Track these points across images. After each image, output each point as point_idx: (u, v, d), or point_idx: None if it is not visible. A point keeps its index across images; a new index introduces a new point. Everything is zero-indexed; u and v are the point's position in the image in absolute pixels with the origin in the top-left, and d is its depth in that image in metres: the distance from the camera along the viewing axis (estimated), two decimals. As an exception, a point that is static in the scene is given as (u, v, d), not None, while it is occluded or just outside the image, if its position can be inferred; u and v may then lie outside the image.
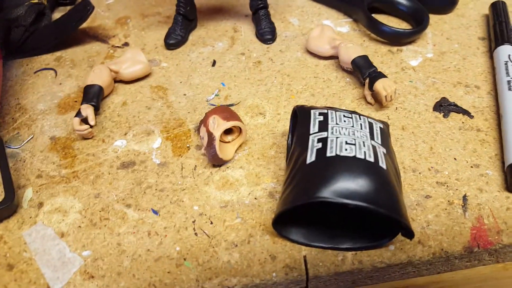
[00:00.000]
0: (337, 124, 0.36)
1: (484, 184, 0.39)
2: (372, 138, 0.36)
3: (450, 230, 0.36)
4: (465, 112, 0.46)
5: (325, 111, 0.38)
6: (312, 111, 0.38)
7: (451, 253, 0.35)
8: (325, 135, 0.35)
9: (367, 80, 0.46)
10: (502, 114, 0.44)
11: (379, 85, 0.45)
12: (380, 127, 0.38)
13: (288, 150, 0.40)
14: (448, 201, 0.38)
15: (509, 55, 0.49)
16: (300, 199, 0.32)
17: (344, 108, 0.47)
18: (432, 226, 0.36)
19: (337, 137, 0.35)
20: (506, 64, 0.48)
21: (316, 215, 0.36)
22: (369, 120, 0.38)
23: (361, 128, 0.36)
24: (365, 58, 0.48)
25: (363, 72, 0.47)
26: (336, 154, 0.33)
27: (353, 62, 0.49)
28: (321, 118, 0.37)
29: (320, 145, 0.34)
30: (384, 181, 0.32)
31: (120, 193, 0.39)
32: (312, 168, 0.33)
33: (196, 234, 0.36)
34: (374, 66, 0.47)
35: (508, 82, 0.46)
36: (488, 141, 0.43)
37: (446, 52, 0.54)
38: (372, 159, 0.33)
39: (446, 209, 0.37)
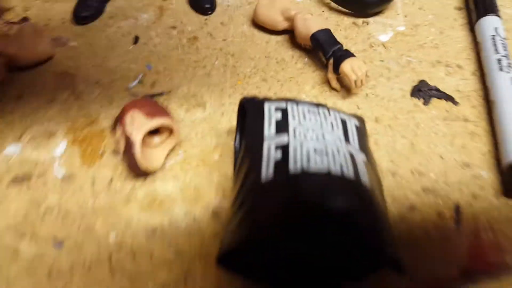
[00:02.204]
0: (300, 123, 0.29)
1: (478, 188, 0.35)
2: (347, 141, 0.29)
3: (442, 249, 0.31)
4: (449, 98, 0.41)
5: (284, 105, 0.31)
6: (266, 105, 0.31)
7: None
8: (286, 141, 0.28)
9: (331, 61, 0.41)
10: (494, 100, 0.39)
11: (346, 66, 0.39)
12: (356, 125, 0.32)
13: (236, 156, 0.33)
14: (437, 212, 0.33)
15: (495, 28, 0.45)
16: (251, 242, 0.25)
17: (304, 96, 0.41)
18: (420, 249, 0.31)
19: (301, 143, 0.28)
20: (493, 38, 0.44)
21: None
22: (342, 116, 0.31)
23: (333, 129, 0.30)
24: (327, 32, 0.43)
25: (326, 50, 0.41)
26: (302, 170, 0.26)
27: (313, 37, 0.43)
28: (279, 115, 0.30)
29: (279, 155, 0.27)
30: (369, 205, 0.26)
31: (11, 220, 0.32)
32: (268, 190, 0.26)
33: (112, 275, 0.29)
34: (340, 43, 0.42)
35: (498, 60, 0.42)
36: (479, 134, 0.38)
37: (420, 25, 0.49)
38: (351, 174, 0.27)
39: (435, 223, 0.33)
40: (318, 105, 0.32)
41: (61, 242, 0.31)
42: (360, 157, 0.28)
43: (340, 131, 0.30)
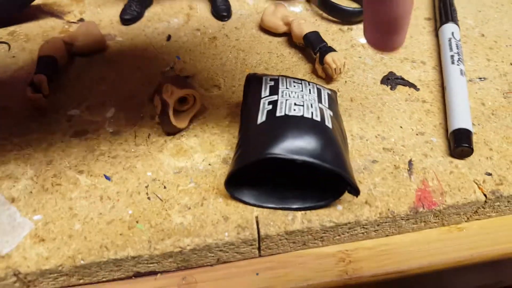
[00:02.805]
0: (287, 88, 0.36)
1: (428, 150, 0.40)
2: (320, 101, 0.36)
3: (396, 192, 0.36)
4: (411, 85, 0.47)
5: (276, 77, 0.38)
6: (264, 78, 0.38)
7: (397, 213, 0.35)
8: (276, 98, 0.35)
9: (317, 54, 0.47)
10: (446, 85, 0.45)
11: (328, 58, 0.45)
12: (328, 93, 0.38)
13: (241, 114, 0.40)
14: (394, 165, 0.38)
15: (452, 32, 0.50)
16: (251, 157, 0.32)
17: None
18: (378, 188, 0.37)
19: (286, 100, 0.35)
20: (449, 40, 0.49)
21: (267, 176, 0.36)
22: (318, 86, 0.38)
23: (310, 93, 0.37)
24: (316, 33, 0.49)
25: (314, 46, 0.47)
26: (285, 114, 0.33)
27: (305, 37, 0.49)
28: (272, 83, 0.37)
29: (270, 107, 0.34)
30: (330, 139, 0.33)
31: (73, 160, 0.38)
32: (262, 127, 0.33)
33: (149, 198, 0.35)
34: (325, 41, 0.48)
35: (452, 56, 0.47)
36: (433, 111, 0.44)
37: (395, 31, 0.55)
38: (318, 119, 0.34)
39: (392, 172, 0.38)
40: (301, 79, 0.39)
41: (110, 177, 0.37)
42: (328, 112, 0.35)
43: (315, 95, 0.37)
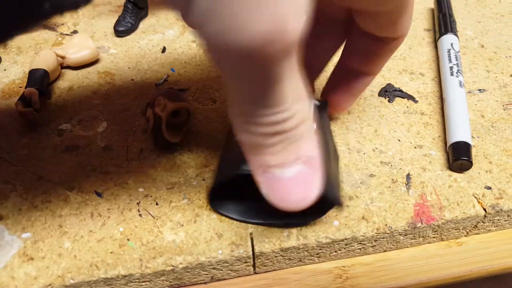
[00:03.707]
0: None
1: (427, 163, 0.40)
2: None
3: (393, 206, 0.36)
4: (410, 97, 0.47)
5: None
6: None
7: (395, 229, 0.35)
8: None
9: None
10: (445, 97, 0.45)
11: None
12: (315, 105, 0.35)
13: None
14: (392, 179, 0.38)
15: (451, 44, 0.50)
16: (227, 174, 0.32)
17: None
18: (376, 203, 0.36)
19: None
20: (448, 51, 0.49)
21: (252, 191, 0.35)
22: None
23: None
24: None
25: None
26: None
27: None
28: None
29: None
30: None
31: (64, 176, 0.38)
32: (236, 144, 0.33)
33: (140, 215, 0.35)
34: None
35: (451, 68, 0.47)
36: (432, 124, 0.43)
37: (393, 42, 0.55)
38: None
39: (390, 187, 0.38)
40: None
41: (101, 193, 0.37)
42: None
43: None
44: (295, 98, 0.21)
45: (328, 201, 0.32)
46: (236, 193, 0.35)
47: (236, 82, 0.20)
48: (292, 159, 0.23)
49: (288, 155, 0.23)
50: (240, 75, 0.19)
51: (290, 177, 0.24)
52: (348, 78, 0.39)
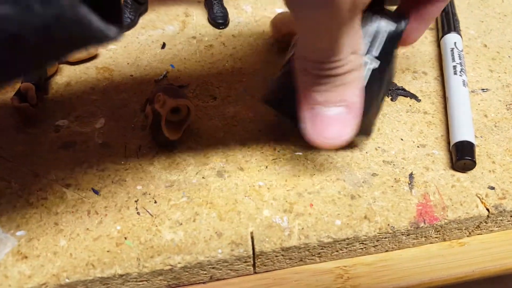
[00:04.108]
0: None
1: (430, 163, 0.39)
2: (369, 51, 0.33)
3: (396, 206, 0.36)
4: (413, 96, 0.46)
5: None
6: None
7: (398, 229, 0.34)
8: None
9: None
10: (448, 96, 0.44)
11: None
12: (390, 31, 0.34)
13: None
14: (395, 178, 0.38)
15: (454, 42, 0.50)
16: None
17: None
18: (378, 203, 0.36)
19: None
20: (452, 50, 0.49)
21: None
22: (378, 25, 0.34)
23: (364, 37, 0.33)
24: None
25: None
26: None
27: None
28: None
29: None
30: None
31: (60, 173, 0.37)
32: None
33: (138, 213, 0.34)
34: None
35: (454, 67, 0.47)
36: (435, 123, 0.43)
37: (395, 41, 0.54)
38: None
39: (392, 186, 0.37)
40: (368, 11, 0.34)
41: (98, 190, 0.36)
42: (370, 67, 0.33)
43: (368, 40, 0.34)
44: (351, 51, 0.25)
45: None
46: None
47: (308, 32, 0.24)
48: (336, 100, 0.27)
49: (333, 96, 0.27)
50: (313, 27, 0.23)
51: (331, 116, 0.28)
52: (420, 2, 0.35)
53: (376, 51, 0.34)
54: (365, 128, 0.34)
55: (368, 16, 0.34)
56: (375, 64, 0.34)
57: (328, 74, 0.26)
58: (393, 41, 0.34)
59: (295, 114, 0.33)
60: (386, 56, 0.34)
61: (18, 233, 0.33)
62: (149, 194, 0.36)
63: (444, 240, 0.38)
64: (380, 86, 0.35)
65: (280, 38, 0.51)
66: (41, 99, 0.44)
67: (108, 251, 0.32)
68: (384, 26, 0.34)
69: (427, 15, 0.35)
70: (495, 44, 0.54)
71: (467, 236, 0.39)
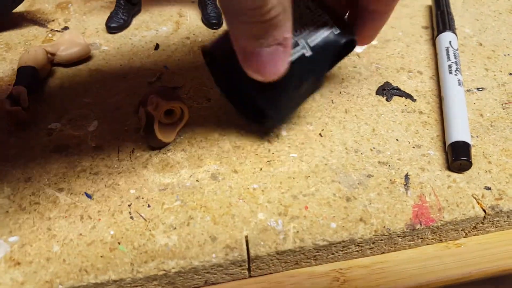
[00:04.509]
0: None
1: (426, 163, 0.39)
2: (306, 38, 0.34)
3: (392, 208, 0.35)
4: (408, 96, 0.46)
5: None
6: None
7: (394, 231, 0.34)
8: None
9: None
10: (443, 96, 0.44)
11: None
12: (333, 33, 0.35)
13: None
14: (390, 180, 0.37)
15: (450, 41, 0.49)
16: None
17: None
18: (374, 204, 0.35)
19: None
20: (447, 49, 0.49)
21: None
22: (327, 20, 0.35)
23: (306, 24, 0.34)
24: None
25: None
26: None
27: None
28: None
29: None
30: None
31: (53, 177, 0.37)
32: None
33: (132, 217, 0.34)
34: None
35: (449, 66, 0.46)
36: (430, 123, 0.43)
37: (390, 40, 0.54)
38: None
39: (388, 187, 0.37)
40: (319, 7, 0.36)
41: (91, 195, 0.36)
42: (302, 51, 0.34)
43: (310, 28, 0.35)
44: None
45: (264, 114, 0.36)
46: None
47: None
48: (270, 40, 0.28)
49: (267, 37, 0.28)
50: None
51: (266, 54, 0.29)
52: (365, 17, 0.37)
53: (312, 42, 0.35)
54: (273, 113, 0.36)
55: (316, 10, 0.35)
56: (307, 51, 0.34)
57: (259, 20, 0.27)
58: (329, 48, 0.35)
59: (222, 76, 0.38)
60: (322, 55, 0.35)
61: (11, 239, 0.33)
62: (143, 198, 0.36)
63: (441, 241, 0.38)
64: (301, 77, 0.35)
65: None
66: (33, 102, 0.43)
67: (101, 257, 0.32)
68: (330, 29, 0.35)
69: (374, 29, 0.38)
70: (490, 42, 0.54)
71: (464, 237, 0.38)
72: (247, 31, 0.28)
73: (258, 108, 0.36)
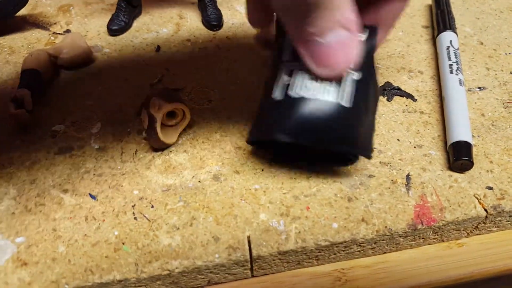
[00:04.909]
0: None
1: (427, 163, 0.39)
2: None
3: (393, 208, 0.36)
4: (409, 96, 0.47)
5: None
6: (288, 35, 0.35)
7: (395, 231, 0.35)
8: (294, 67, 0.33)
9: None
10: (444, 96, 0.44)
11: None
12: (365, 43, 0.33)
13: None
14: (392, 180, 0.38)
15: (450, 41, 0.50)
16: (257, 134, 0.35)
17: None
18: (375, 205, 0.36)
19: (300, 70, 0.33)
20: (448, 49, 0.49)
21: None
22: None
23: None
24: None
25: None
26: (298, 94, 0.32)
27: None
28: None
29: (286, 79, 0.33)
30: (340, 118, 0.32)
31: (57, 179, 0.38)
32: (275, 104, 0.33)
33: (135, 218, 0.35)
34: None
35: (450, 65, 0.47)
36: (431, 123, 0.43)
37: (391, 40, 0.55)
38: (331, 99, 0.32)
39: (389, 188, 0.37)
40: None
41: (95, 196, 0.37)
42: (350, 77, 0.33)
43: None
44: None
45: (355, 151, 0.34)
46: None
47: None
48: (330, 25, 0.25)
49: (326, 22, 0.25)
50: None
51: (330, 43, 0.26)
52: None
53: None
54: (363, 147, 0.34)
55: None
56: (357, 75, 0.33)
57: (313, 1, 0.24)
58: (369, 55, 0.34)
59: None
60: (368, 69, 0.34)
61: (18, 240, 0.33)
62: (146, 198, 0.36)
63: (442, 241, 0.38)
64: (367, 100, 0.34)
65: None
66: (37, 105, 0.44)
67: (106, 257, 0.32)
68: (360, 37, 0.34)
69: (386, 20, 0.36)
70: (491, 41, 0.55)
71: (466, 236, 0.39)
72: (305, 20, 0.25)
73: (348, 156, 0.37)
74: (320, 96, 0.32)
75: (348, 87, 0.33)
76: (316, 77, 0.32)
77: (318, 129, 0.32)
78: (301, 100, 0.32)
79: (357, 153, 0.35)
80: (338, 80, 0.32)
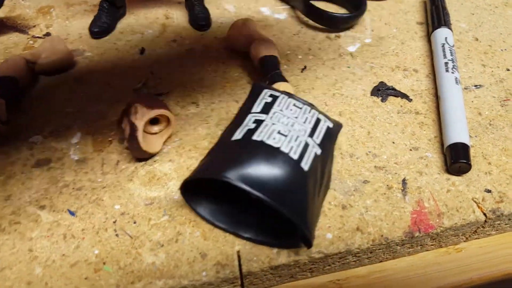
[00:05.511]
0: (281, 110, 0.34)
1: (423, 166, 0.38)
2: (311, 135, 0.33)
3: (389, 215, 0.34)
4: (404, 96, 0.45)
5: (278, 94, 0.35)
6: (264, 91, 0.35)
7: (392, 239, 0.33)
8: (263, 118, 0.33)
9: (267, 82, 0.43)
10: (440, 95, 0.43)
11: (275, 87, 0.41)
12: (328, 127, 0.35)
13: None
14: (387, 185, 0.36)
15: (445, 38, 0.48)
16: (205, 173, 0.30)
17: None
18: (370, 212, 0.34)
19: (272, 124, 0.32)
20: (443, 46, 0.47)
21: (226, 195, 0.34)
22: (319, 116, 0.35)
23: (304, 122, 0.33)
24: (273, 58, 0.45)
25: (266, 71, 0.44)
26: (262, 140, 0.31)
27: (261, 59, 0.45)
28: (269, 100, 0.34)
29: (253, 126, 0.32)
30: (297, 182, 0.30)
31: (34, 194, 0.35)
32: (234, 145, 0.31)
33: (117, 235, 0.33)
34: (278, 69, 0.44)
35: (446, 63, 0.45)
36: (427, 124, 0.41)
37: (385, 37, 0.53)
38: (295, 156, 0.31)
39: (385, 193, 0.36)
40: (308, 104, 0.35)
41: (75, 212, 0.34)
42: (314, 150, 0.32)
43: (309, 126, 0.33)
44: None
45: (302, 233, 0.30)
46: (212, 190, 0.34)
47: None
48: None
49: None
50: None
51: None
52: None
53: (317, 139, 0.33)
54: (310, 225, 0.30)
55: (307, 106, 0.35)
56: (318, 149, 0.33)
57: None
58: (331, 139, 0.35)
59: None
60: (327, 151, 0.34)
61: (-11, 263, 0.31)
62: (128, 213, 0.34)
63: (441, 246, 0.37)
64: (322, 177, 0.33)
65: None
66: (13, 115, 0.42)
67: (85, 278, 0.30)
68: (323, 119, 0.35)
69: None
70: (486, 37, 0.53)
71: (464, 241, 0.37)
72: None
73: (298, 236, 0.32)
74: (283, 148, 0.31)
75: (311, 154, 0.32)
76: (285, 131, 0.32)
77: (273, 182, 0.29)
78: (263, 145, 0.31)
79: (302, 231, 0.29)
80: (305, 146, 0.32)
